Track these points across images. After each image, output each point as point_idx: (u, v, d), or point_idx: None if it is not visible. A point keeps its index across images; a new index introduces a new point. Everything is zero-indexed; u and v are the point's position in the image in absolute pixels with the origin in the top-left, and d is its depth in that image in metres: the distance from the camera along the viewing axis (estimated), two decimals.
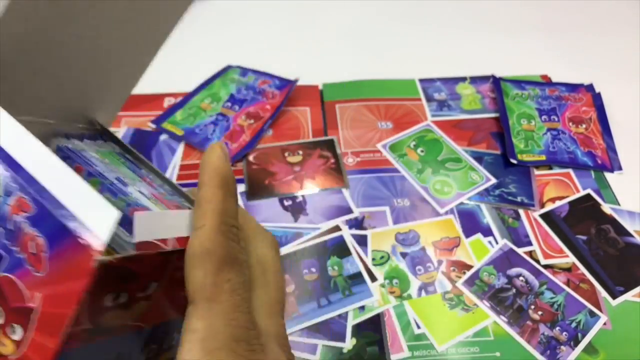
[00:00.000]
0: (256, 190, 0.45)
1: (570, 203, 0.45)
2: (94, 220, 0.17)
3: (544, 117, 0.52)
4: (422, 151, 0.48)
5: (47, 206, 0.17)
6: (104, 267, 0.16)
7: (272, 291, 0.23)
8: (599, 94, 0.54)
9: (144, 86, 0.54)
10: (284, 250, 0.41)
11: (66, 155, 0.24)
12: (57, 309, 0.16)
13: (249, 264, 0.22)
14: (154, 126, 0.50)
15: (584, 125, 0.52)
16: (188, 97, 0.53)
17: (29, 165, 0.18)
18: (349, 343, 0.37)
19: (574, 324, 0.38)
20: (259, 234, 0.25)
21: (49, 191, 0.17)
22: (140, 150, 0.48)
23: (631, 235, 0.43)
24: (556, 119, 0.52)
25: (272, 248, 0.24)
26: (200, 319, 0.19)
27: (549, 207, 0.45)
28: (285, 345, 0.22)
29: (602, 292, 0.40)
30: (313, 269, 0.40)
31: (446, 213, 0.44)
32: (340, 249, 0.41)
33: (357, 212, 0.44)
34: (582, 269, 0.41)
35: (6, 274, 0.18)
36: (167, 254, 0.20)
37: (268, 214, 0.43)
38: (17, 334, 0.17)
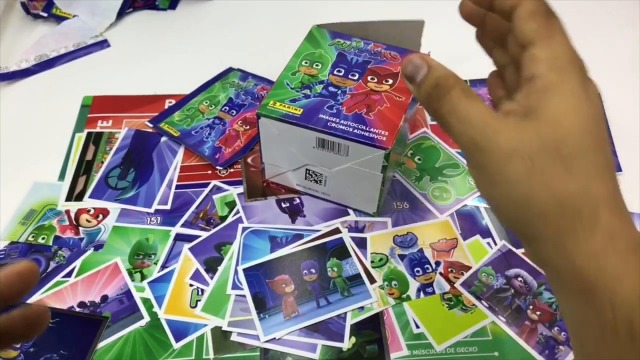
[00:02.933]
0: (254, 191, 0.46)
1: None
2: None
3: None
4: (419, 159, 0.49)
5: None
6: None
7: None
8: (598, 95, 0.54)
9: (145, 87, 0.56)
10: (285, 252, 0.42)
11: None
12: None
13: None
14: (151, 126, 0.51)
15: None
16: (187, 98, 0.54)
17: None
18: (347, 343, 0.37)
19: None
20: None
21: None
22: (141, 150, 0.49)
23: None
24: None
25: None
26: (543, 49, 0.25)
27: None
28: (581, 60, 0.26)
29: None
30: (313, 270, 0.41)
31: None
32: (339, 251, 0.42)
33: (353, 214, 0.45)
34: None
35: None
36: None
37: (266, 216, 0.44)
38: None
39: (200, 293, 0.40)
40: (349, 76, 0.42)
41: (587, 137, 0.23)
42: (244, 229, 0.43)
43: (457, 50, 0.61)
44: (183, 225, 0.44)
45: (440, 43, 0.62)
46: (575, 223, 0.22)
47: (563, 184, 0.23)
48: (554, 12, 0.26)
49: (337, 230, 0.43)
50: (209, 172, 0.48)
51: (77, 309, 0.39)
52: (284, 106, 0.40)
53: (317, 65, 0.43)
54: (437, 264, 0.42)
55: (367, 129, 0.38)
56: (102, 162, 0.49)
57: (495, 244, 0.43)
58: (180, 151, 0.50)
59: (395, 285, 0.40)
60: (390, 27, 0.48)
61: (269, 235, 0.43)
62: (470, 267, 0.41)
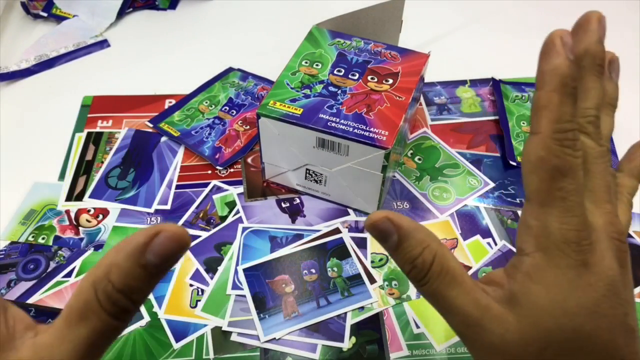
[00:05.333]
0: (254, 191, 0.46)
1: None
2: None
3: None
4: (419, 159, 0.49)
5: None
6: None
7: (596, 178, 0.23)
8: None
9: (145, 87, 0.56)
10: (285, 252, 0.42)
11: None
12: None
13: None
14: (151, 126, 0.51)
15: None
16: (187, 98, 0.54)
17: None
18: (347, 343, 0.37)
19: None
20: None
21: None
22: (141, 150, 0.49)
23: (630, 236, 0.43)
24: None
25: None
26: (535, 219, 0.21)
27: None
28: (615, 231, 0.22)
29: None
30: (313, 270, 0.41)
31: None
32: (340, 251, 0.42)
33: (353, 214, 0.45)
34: None
35: None
36: None
37: (266, 216, 0.44)
38: None
39: (200, 293, 0.40)
40: (349, 76, 0.42)
41: (572, 340, 0.20)
42: (244, 229, 0.43)
43: (457, 50, 0.62)
44: (183, 225, 0.44)
45: (440, 43, 0.62)
46: None
47: None
48: (567, 169, 0.21)
49: (337, 231, 0.43)
50: (209, 172, 0.48)
51: None
52: (284, 106, 0.40)
53: (317, 65, 0.43)
54: None
55: (367, 128, 0.38)
56: (102, 162, 0.49)
57: (496, 244, 0.43)
58: (180, 151, 0.50)
59: (395, 285, 0.40)
60: (377, 10, 0.49)
61: (269, 235, 0.43)
62: (470, 267, 0.41)
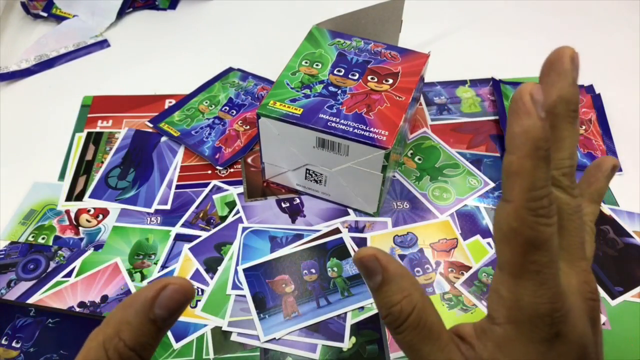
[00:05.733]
0: (254, 191, 0.46)
1: None
2: None
3: None
4: (419, 159, 0.49)
5: None
6: None
7: (571, 236, 0.22)
8: (598, 95, 0.55)
9: (146, 87, 0.56)
10: (284, 252, 0.42)
11: None
12: None
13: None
14: (151, 126, 0.51)
15: (583, 127, 0.52)
16: (187, 98, 0.54)
17: None
18: (347, 343, 0.37)
19: None
20: None
21: None
22: (141, 150, 0.49)
23: (630, 236, 0.43)
24: None
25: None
26: (508, 291, 0.21)
27: None
28: (589, 291, 0.22)
29: (601, 293, 0.40)
30: (313, 270, 0.41)
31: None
32: (340, 251, 0.42)
33: (353, 214, 0.45)
34: None
35: None
36: None
37: (266, 215, 0.44)
38: None
39: (200, 293, 0.40)
40: (349, 76, 0.42)
41: None
42: (244, 229, 0.43)
43: (457, 50, 0.62)
44: (183, 225, 0.44)
45: (440, 43, 0.62)
46: None
47: None
48: (541, 242, 0.20)
49: (337, 230, 0.43)
50: (209, 172, 0.48)
51: (77, 309, 0.39)
52: (284, 106, 0.40)
53: (317, 65, 0.43)
54: (437, 264, 0.42)
55: (367, 128, 0.38)
56: (102, 162, 0.49)
57: None
58: (180, 151, 0.50)
59: None
60: (377, 10, 0.49)
61: (269, 235, 0.43)
62: (470, 267, 0.41)
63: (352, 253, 0.42)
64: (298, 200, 0.45)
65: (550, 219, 0.20)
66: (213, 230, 0.43)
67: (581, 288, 0.22)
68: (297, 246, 0.42)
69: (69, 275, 0.41)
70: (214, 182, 0.47)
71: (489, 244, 0.43)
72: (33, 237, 0.43)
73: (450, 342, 0.22)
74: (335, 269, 0.41)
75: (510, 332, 0.21)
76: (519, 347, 0.21)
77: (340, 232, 0.43)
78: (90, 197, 0.46)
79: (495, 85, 0.56)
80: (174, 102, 0.54)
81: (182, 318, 0.38)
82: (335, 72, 0.42)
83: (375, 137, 0.38)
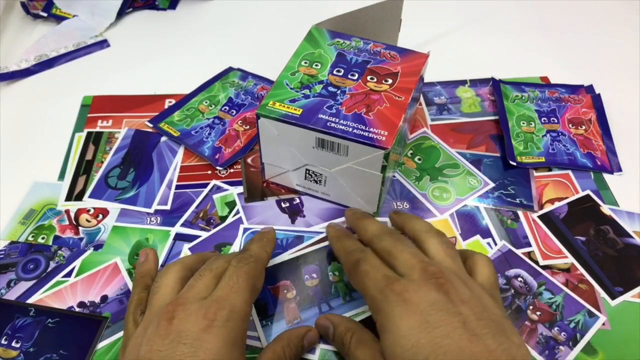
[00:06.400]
0: (254, 191, 0.46)
1: (569, 204, 0.46)
2: None
3: (543, 119, 0.52)
4: (419, 159, 0.49)
5: None
6: None
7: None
8: (598, 95, 0.55)
9: (146, 87, 0.56)
10: (285, 257, 0.42)
11: None
12: None
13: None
14: (150, 125, 0.51)
15: (583, 127, 0.52)
16: (187, 98, 0.54)
17: None
18: None
19: (572, 324, 0.38)
20: None
21: None
22: (141, 150, 0.50)
23: (630, 236, 0.43)
24: (556, 120, 0.52)
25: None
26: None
27: (548, 208, 0.45)
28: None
29: (601, 293, 0.40)
30: (314, 275, 0.41)
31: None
32: None
33: None
34: (581, 270, 0.41)
35: None
36: None
37: (266, 216, 0.44)
38: None
39: None
40: (349, 76, 0.42)
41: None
42: (245, 229, 0.43)
43: (457, 50, 0.62)
44: (183, 225, 0.44)
45: (440, 43, 0.62)
46: None
47: None
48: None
49: None
50: (209, 172, 0.48)
51: (77, 309, 0.39)
52: (284, 106, 0.40)
53: (316, 65, 0.43)
54: None
55: (367, 128, 0.38)
56: (102, 162, 0.49)
57: (495, 244, 0.43)
58: (180, 151, 0.50)
59: None
60: (376, 10, 0.49)
61: None
62: None
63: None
64: (298, 201, 0.45)
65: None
66: (213, 231, 0.43)
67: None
68: (297, 251, 0.42)
69: (68, 275, 0.41)
70: (214, 182, 0.47)
71: (488, 244, 0.43)
72: (33, 236, 0.43)
73: (376, 346, 0.32)
74: (337, 273, 0.41)
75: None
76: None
77: None
78: (90, 197, 0.46)
79: (495, 85, 0.56)
80: (173, 102, 0.54)
81: None
82: (334, 72, 0.42)
83: (375, 137, 0.38)
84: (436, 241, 0.34)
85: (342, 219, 0.44)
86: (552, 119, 0.52)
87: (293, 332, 0.35)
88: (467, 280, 0.31)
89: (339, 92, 0.41)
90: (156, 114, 0.53)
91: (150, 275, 0.37)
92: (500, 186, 0.47)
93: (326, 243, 0.42)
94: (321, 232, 0.43)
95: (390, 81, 0.42)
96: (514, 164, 0.48)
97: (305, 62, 0.43)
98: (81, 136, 0.51)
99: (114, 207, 0.45)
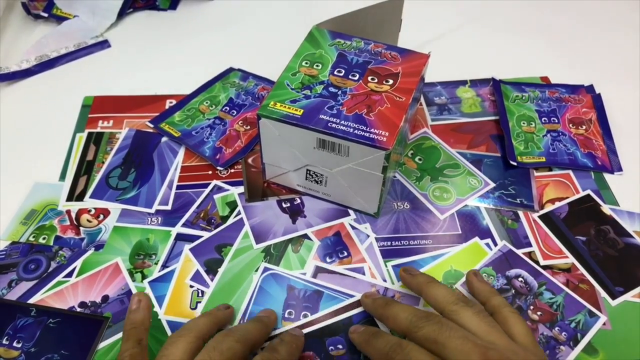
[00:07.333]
0: (255, 192, 0.46)
1: (569, 204, 0.46)
2: None
3: (543, 119, 0.52)
4: (420, 159, 0.49)
5: None
6: None
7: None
8: (599, 95, 0.55)
9: (146, 87, 0.56)
10: (306, 330, 0.38)
11: None
12: None
13: None
14: (151, 126, 0.52)
15: (584, 127, 0.52)
16: (188, 98, 0.54)
17: None
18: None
19: (573, 324, 0.38)
20: None
21: None
22: (142, 151, 0.50)
23: (631, 236, 0.43)
24: (556, 120, 0.52)
25: None
26: None
27: (548, 208, 0.45)
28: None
29: (602, 293, 0.40)
30: (340, 346, 0.37)
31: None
32: (368, 324, 0.38)
33: (353, 215, 0.45)
34: (582, 270, 0.41)
35: None
36: None
37: (266, 216, 0.44)
38: None
39: (200, 295, 0.40)
40: (350, 76, 0.42)
41: None
42: (265, 269, 0.41)
43: (457, 50, 0.62)
44: (184, 225, 0.44)
45: (440, 43, 0.62)
46: None
47: None
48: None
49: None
50: (210, 172, 0.48)
51: (78, 309, 0.39)
52: (285, 107, 0.40)
53: (317, 65, 0.43)
54: None
55: (368, 129, 0.38)
56: (103, 163, 0.49)
57: (496, 244, 0.43)
58: (181, 151, 0.50)
59: None
60: (376, 10, 0.49)
61: (288, 283, 0.40)
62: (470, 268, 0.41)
63: (380, 325, 0.38)
64: (299, 201, 0.45)
65: None
66: (214, 231, 0.43)
67: None
68: (314, 321, 0.38)
69: (69, 275, 0.41)
70: (215, 182, 0.47)
71: (488, 244, 0.43)
72: (34, 237, 0.43)
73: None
74: None
75: None
76: None
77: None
78: (91, 197, 0.46)
79: (496, 85, 0.56)
80: (174, 102, 0.54)
81: (182, 319, 0.39)
82: (335, 72, 0.42)
83: (376, 137, 0.38)
84: (470, 313, 0.31)
85: (374, 288, 0.40)
86: (552, 118, 0.52)
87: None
88: (517, 350, 0.30)
89: (339, 92, 0.41)
90: (157, 114, 0.53)
91: (144, 327, 0.34)
92: (501, 186, 0.47)
93: (350, 313, 0.39)
94: (341, 294, 0.40)
95: (391, 82, 0.42)
96: (515, 164, 0.48)
97: (306, 63, 0.43)
98: (82, 136, 0.51)
99: (115, 208, 0.45)
